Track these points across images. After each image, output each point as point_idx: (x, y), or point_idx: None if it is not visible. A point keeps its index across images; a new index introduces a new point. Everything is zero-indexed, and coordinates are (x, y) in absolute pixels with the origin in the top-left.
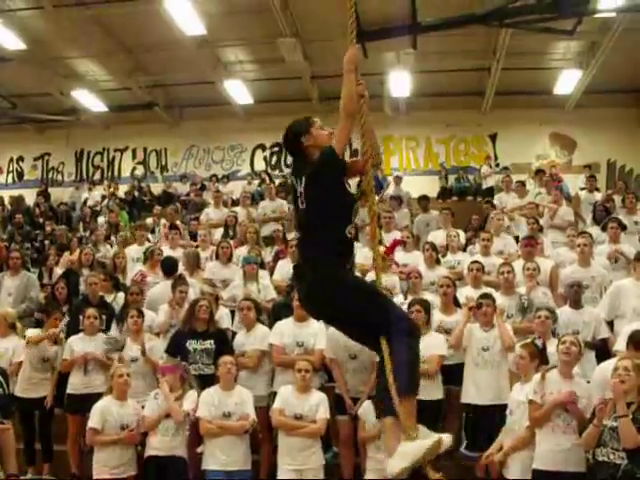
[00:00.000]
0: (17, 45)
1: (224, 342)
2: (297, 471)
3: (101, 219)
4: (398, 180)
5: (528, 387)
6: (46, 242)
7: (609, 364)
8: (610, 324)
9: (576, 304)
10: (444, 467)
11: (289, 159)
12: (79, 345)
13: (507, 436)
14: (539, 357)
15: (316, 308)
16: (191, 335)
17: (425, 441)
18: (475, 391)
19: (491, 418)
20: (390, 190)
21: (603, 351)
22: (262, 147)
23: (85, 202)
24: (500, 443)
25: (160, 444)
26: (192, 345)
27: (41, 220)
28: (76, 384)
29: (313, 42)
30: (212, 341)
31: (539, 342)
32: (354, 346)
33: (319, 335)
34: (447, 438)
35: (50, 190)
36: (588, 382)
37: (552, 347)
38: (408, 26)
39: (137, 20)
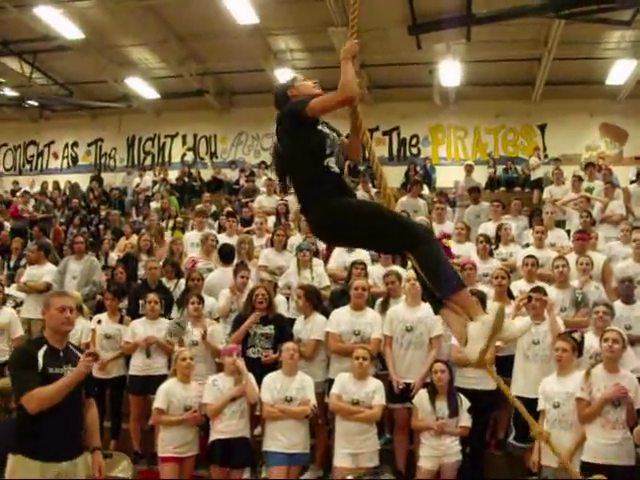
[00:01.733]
0: (75, 34)
1: (283, 328)
2: (353, 455)
3: (153, 204)
4: (470, 169)
5: (571, 380)
6: (100, 226)
7: None
8: None
9: (628, 299)
10: (494, 456)
11: None
12: (141, 329)
13: (556, 428)
14: (578, 350)
15: (329, 240)
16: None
17: (487, 316)
18: (524, 384)
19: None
20: (461, 180)
21: None
22: None
23: (137, 187)
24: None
25: (227, 428)
26: (253, 329)
27: (95, 205)
28: (138, 366)
29: (363, 31)
30: (272, 326)
31: (577, 335)
32: (410, 319)
33: (375, 324)
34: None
35: (103, 175)
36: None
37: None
38: (463, 17)
39: (190, 9)
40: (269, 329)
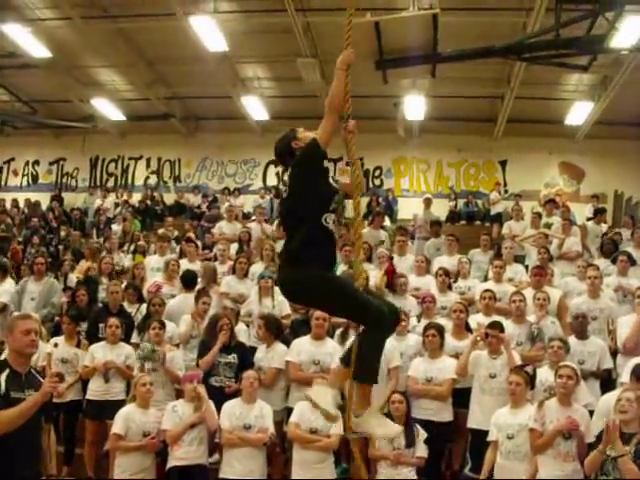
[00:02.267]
0: (43, 53)
1: (245, 356)
2: None
3: (115, 227)
4: (428, 202)
5: (524, 412)
6: (60, 247)
7: (613, 395)
8: (614, 355)
9: (581, 334)
10: None
11: None
12: (100, 353)
13: (510, 459)
14: (530, 383)
15: (291, 298)
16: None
17: (332, 412)
18: (481, 416)
19: None
20: (420, 213)
21: (607, 381)
22: (275, 162)
23: (99, 209)
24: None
25: (185, 454)
26: (217, 358)
27: (55, 224)
28: (96, 391)
29: (331, 63)
30: (235, 355)
31: (529, 369)
32: None
33: (335, 354)
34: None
35: (64, 195)
36: (591, 411)
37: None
38: (429, 56)
39: (161, 34)
40: (232, 358)
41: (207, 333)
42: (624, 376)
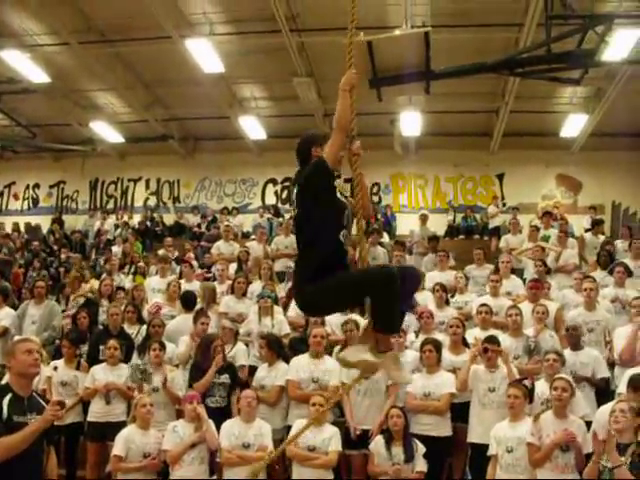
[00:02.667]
0: (42, 78)
1: (235, 375)
2: None
3: (115, 248)
4: (424, 219)
5: (523, 426)
6: (60, 269)
7: (609, 407)
8: (612, 366)
9: (575, 346)
10: None
11: None
12: (101, 375)
13: (510, 472)
14: (529, 397)
15: (310, 312)
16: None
17: (369, 357)
18: (482, 431)
19: None
20: (417, 229)
21: (606, 392)
22: (273, 181)
23: (99, 231)
24: (492, 477)
25: (186, 474)
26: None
27: (56, 247)
28: (97, 412)
29: (327, 81)
30: (227, 375)
31: (528, 382)
32: None
33: (333, 371)
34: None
35: (64, 217)
36: (588, 422)
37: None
38: (422, 73)
39: (157, 57)
40: (225, 378)
41: (199, 354)
42: (621, 387)
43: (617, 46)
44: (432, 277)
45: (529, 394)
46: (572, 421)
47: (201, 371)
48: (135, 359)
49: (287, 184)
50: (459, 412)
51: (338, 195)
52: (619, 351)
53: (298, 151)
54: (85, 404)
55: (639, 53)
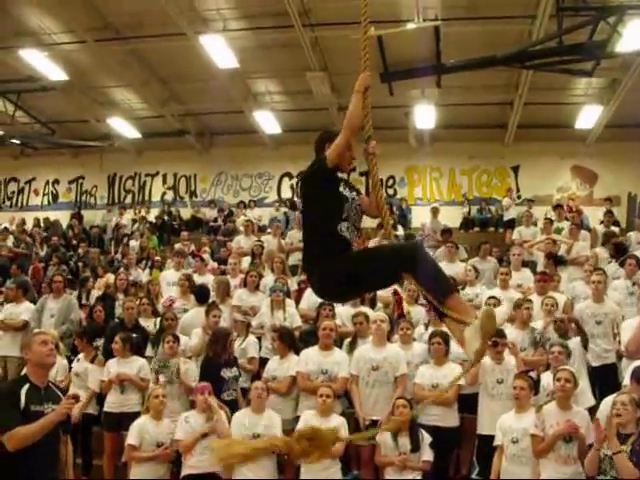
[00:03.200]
0: (59, 76)
1: (239, 367)
2: None
3: (133, 242)
4: (435, 212)
5: (528, 417)
6: (79, 264)
7: (612, 398)
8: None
9: (563, 337)
10: None
11: None
12: (114, 367)
13: (515, 463)
14: (535, 388)
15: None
16: (223, 364)
17: (477, 321)
18: (490, 422)
19: None
20: (428, 222)
21: (614, 384)
22: (289, 175)
23: (117, 225)
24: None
25: (198, 463)
26: (226, 373)
27: (75, 242)
28: (113, 403)
29: (340, 75)
30: (235, 368)
31: (533, 374)
32: (376, 359)
33: (342, 363)
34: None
35: (83, 212)
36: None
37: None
38: (433, 67)
39: (173, 53)
40: (235, 371)
41: (210, 349)
42: (627, 379)
43: (630, 37)
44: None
45: (534, 386)
46: (575, 412)
47: (213, 367)
48: (149, 351)
49: None
50: (466, 403)
51: (341, 189)
52: (625, 343)
53: (316, 146)
54: (100, 396)
55: None
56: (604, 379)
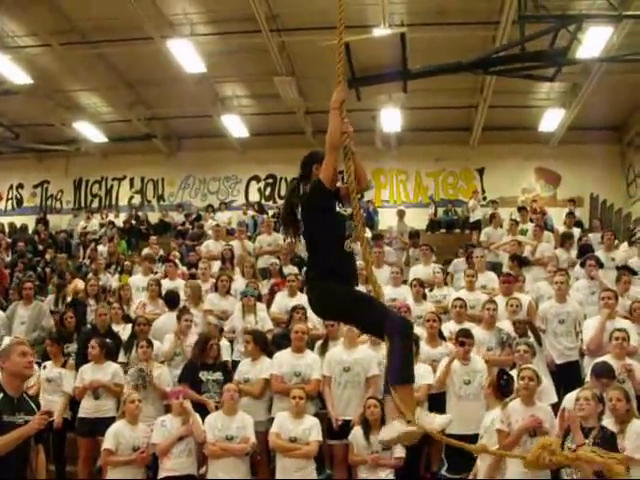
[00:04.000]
0: (24, 79)
1: (228, 373)
2: None
3: (101, 247)
4: (402, 214)
5: (492, 414)
6: (47, 270)
7: (575, 393)
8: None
9: (521, 337)
10: None
11: (282, 190)
12: (88, 373)
13: (480, 458)
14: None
15: (323, 316)
16: (202, 367)
17: (406, 428)
18: (458, 422)
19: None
20: (394, 225)
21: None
22: (257, 179)
23: (84, 230)
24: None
25: (175, 465)
26: (204, 376)
27: (41, 247)
28: (87, 408)
29: (307, 79)
30: (220, 373)
31: (504, 378)
32: (348, 360)
33: (315, 365)
34: (429, 426)
35: (48, 217)
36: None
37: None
38: (399, 72)
39: (140, 58)
40: (218, 375)
41: (194, 353)
42: (589, 375)
43: (589, 44)
44: (415, 271)
45: (507, 385)
46: (539, 408)
47: (194, 369)
48: (122, 357)
49: (270, 181)
50: (436, 403)
51: (338, 209)
52: (587, 341)
53: (303, 164)
54: (73, 401)
55: (611, 51)
56: (568, 376)
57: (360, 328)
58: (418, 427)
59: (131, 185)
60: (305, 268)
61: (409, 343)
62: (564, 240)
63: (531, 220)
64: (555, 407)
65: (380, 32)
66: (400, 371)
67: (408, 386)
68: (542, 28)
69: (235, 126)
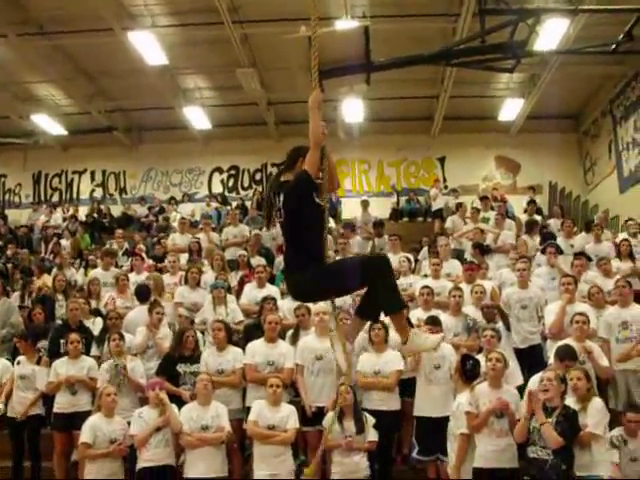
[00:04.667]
0: None
1: None
2: (271, 475)
3: (64, 242)
4: (365, 205)
5: (460, 397)
6: (8, 265)
7: (539, 375)
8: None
9: (489, 322)
10: (399, 471)
11: (245, 182)
12: (63, 368)
13: (450, 440)
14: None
15: (304, 299)
16: (180, 359)
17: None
18: (428, 405)
19: (440, 427)
20: (358, 216)
21: (540, 362)
22: (219, 170)
23: (45, 224)
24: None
25: (153, 456)
26: (182, 368)
27: (1, 243)
28: (63, 403)
29: (270, 71)
30: (198, 365)
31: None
32: (320, 348)
33: (288, 354)
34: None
35: (7, 212)
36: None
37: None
38: (362, 65)
39: (99, 49)
40: (196, 367)
41: (173, 347)
42: (552, 358)
43: (547, 36)
44: None
45: (476, 368)
46: (506, 390)
47: (171, 362)
48: (94, 351)
49: (233, 172)
50: (406, 387)
51: (318, 200)
52: (549, 325)
53: (289, 155)
54: (48, 397)
55: (567, 43)
56: (531, 359)
57: (344, 293)
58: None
59: (92, 178)
60: (285, 254)
61: (391, 275)
62: (531, 227)
63: (492, 208)
64: (521, 389)
65: (344, 25)
66: (391, 300)
67: (401, 312)
68: (502, 21)
69: (197, 118)
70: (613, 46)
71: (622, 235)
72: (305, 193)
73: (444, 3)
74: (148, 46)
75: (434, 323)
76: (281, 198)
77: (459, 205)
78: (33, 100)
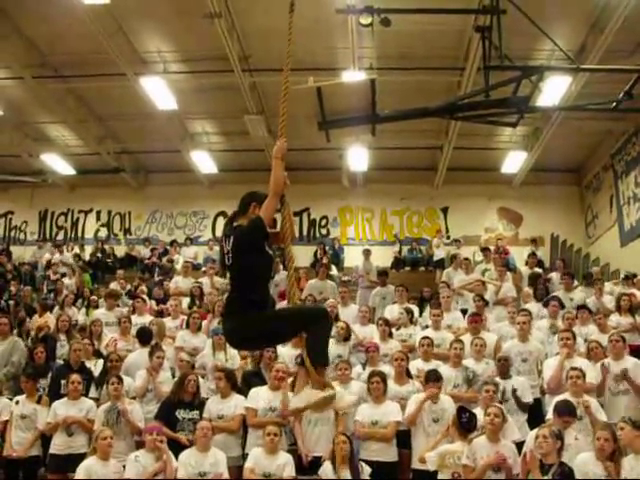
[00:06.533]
0: None
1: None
2: None
3: (67, 280)
4: (367, 254)
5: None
6: (10, 302)
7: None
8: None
9: (503, 375)
10: None
11: None
12: (62, 409)
13: None
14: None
15: (241, 345)
16: (180, 405)
17: (321, 393)
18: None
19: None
20: (360, 265)
21: (538, 417)
22: (224, 214)
23: (49, 263)
24: None
25: None
26: (181, 414)
27: (4, 280)
28: (59, 445)
29: (277, 118)
30: (197, 412)
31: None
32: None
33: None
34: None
35: (11, 248)
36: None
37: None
38: (368, 116)
39: (111, 92)
40: (195, 414)
41: (174, 391)
42: (550, 413)
43: (550, 92)
44: (392, 310)
45: (471, 421)
46: (503, 444)
47: (170, 406)
48: (93, 393)
49: None
50: (403, 439)
51: (268, 249)
52: (547, 380)
53: (242, 200)
54: (45, 438)
55: (569, 99)
56: (530, 413)
57: (282, 341)
58: (327, 396)
59: (98, 218)
60: (227, 297)
61: (327, 328)
62: (532, 280)
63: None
64: (519, 445)
65: (351, 77)
66: (321, 355)
67: (325, 367)
68: (506, 77)
69: (204, 162)
70: (614, 103)
71: (608, 285)
72: (256, 239)
73: (450, 57)
74: (159, 91)
75: (436, 379)
76: (231, 241)
77: (453, 257)
78: (44, 140)
